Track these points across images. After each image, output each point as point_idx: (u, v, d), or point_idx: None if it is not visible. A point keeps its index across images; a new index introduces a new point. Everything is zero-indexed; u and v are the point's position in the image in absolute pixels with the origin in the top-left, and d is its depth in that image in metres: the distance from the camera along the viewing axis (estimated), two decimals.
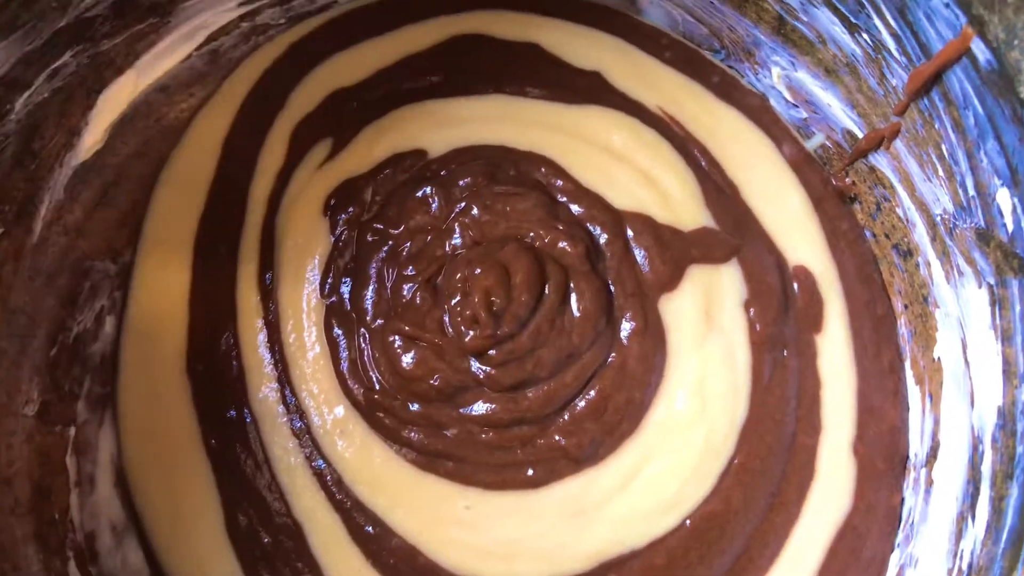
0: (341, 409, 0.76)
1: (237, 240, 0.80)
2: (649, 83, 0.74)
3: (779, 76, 0.71)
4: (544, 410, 0.72)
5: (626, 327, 0.72)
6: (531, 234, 0.73)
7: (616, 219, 0.73)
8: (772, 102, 0.73)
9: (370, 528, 0.74)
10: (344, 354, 0.77)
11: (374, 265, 0.77)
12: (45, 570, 0.66)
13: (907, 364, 0.69)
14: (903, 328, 0.69)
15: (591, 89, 0.75)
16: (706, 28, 0.73)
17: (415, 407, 0.74)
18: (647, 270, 0.72)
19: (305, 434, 0.77)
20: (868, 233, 0.71)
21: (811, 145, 0.72)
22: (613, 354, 0.72)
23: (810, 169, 0.72)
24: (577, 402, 0.72)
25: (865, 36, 0.61)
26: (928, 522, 0.64)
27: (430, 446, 0.74)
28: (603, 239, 0.73)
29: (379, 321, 0.76)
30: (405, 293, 0.75)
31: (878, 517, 0.66)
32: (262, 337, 0.78)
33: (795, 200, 0.71)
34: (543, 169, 0.76)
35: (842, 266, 0.70)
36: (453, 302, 0.72)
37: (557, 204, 0.74)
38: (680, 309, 0.71)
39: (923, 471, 0.65)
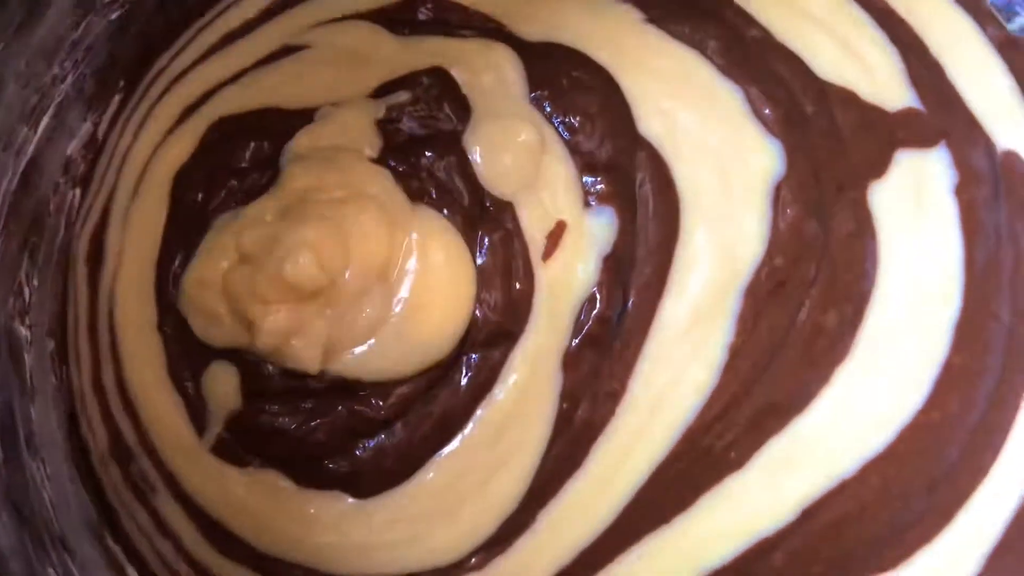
0: None
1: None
2: None
3: None
4: (753, 378, 0.60)
5: (835, 229, 0.62)
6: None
7: (820, 88, 0.64)
8: None
9: None
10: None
11: None
12: None
13: None
14: None
15: None
16: None
17: None
18: (853, 154, 0.63)
19: None
20: None
21: (1013, 27, 0.67)
22: (821, 268, 0.61)
23: (1015, 52, 0.67)
24: (782, 342, 0.61)
25: None
26: None
27: None
28: (809, 109, 0.63)
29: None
30: None
31: None
32: None
33: (1001, 83, 0.66)
34: (725, 10, 0.65)
35: None
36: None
37: (746, 45, 0.64)
38: (890, 200, 0.63)
39: None
